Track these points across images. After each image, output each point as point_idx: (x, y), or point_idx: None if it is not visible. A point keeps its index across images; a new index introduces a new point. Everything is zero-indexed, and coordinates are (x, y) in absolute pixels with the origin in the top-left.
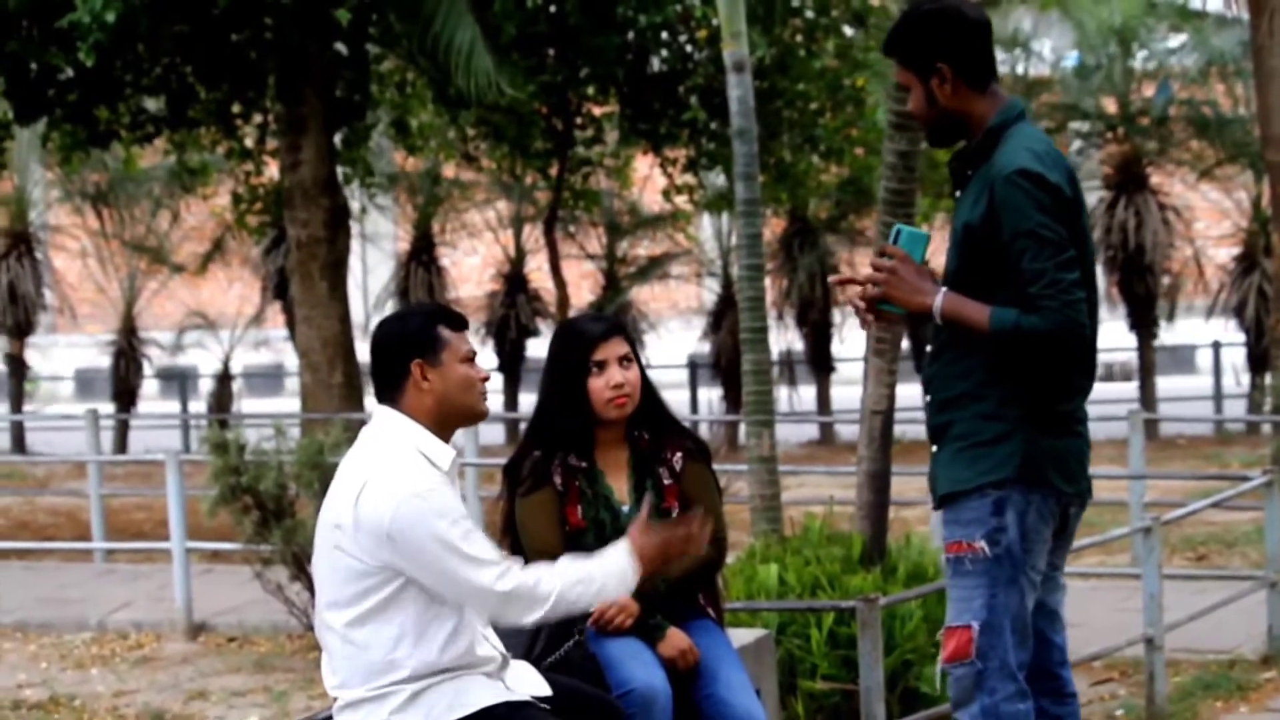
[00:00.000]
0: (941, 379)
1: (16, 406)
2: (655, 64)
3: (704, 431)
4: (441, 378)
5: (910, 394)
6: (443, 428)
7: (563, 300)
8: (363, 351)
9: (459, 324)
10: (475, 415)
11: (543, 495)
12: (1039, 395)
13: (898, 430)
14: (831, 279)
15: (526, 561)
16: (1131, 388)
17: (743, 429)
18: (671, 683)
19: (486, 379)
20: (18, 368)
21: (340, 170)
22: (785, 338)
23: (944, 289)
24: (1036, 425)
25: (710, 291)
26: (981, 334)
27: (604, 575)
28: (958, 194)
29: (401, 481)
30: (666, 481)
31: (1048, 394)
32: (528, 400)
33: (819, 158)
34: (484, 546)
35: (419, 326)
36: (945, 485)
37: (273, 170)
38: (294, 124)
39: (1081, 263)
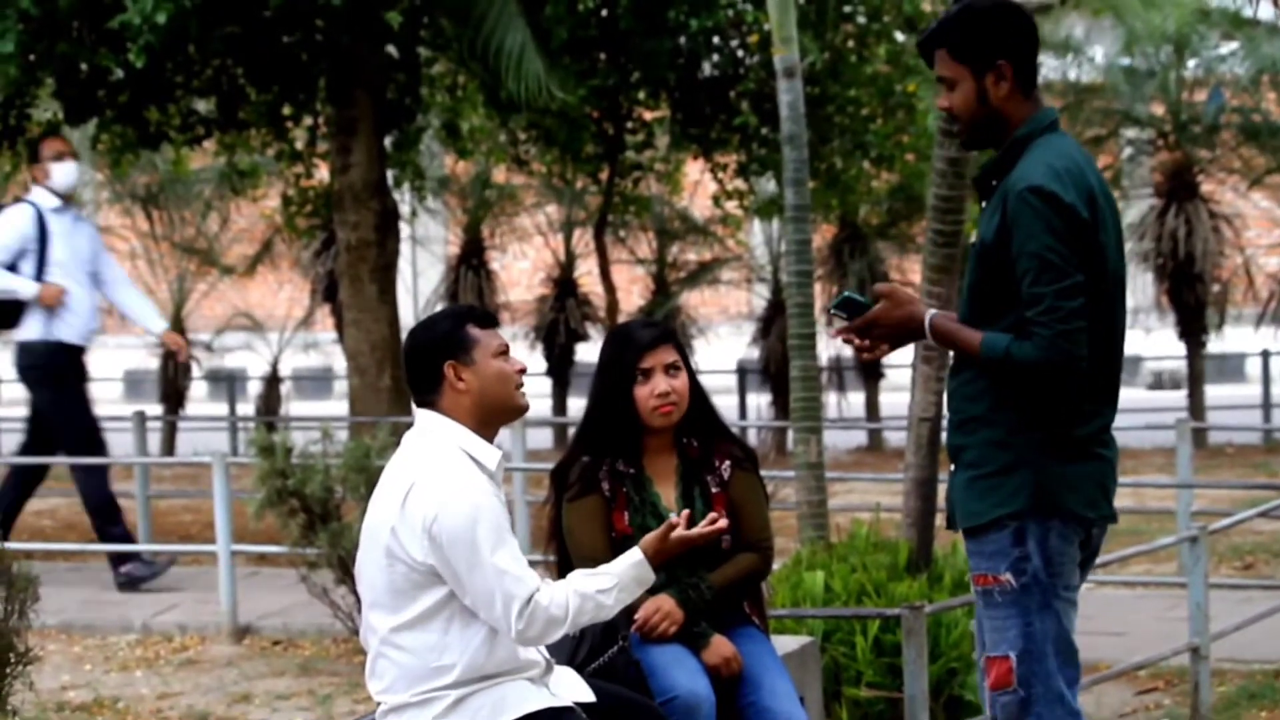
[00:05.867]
0: (958, 397)
1: None
2: (706, 69)
3: (752, 437)
4: (476, 376)
5: None
6: (485, 426)
7: (612, 305)
8: None
9: (488, 321)
10: (514, 409)
11: (590, 501)
12: (1051, 422)
13: (945, 438)
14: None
15: (572, 567)
16: (1180, 396)
17: (791, 435)
18: (715, 690)
19: (523, 371)
20: None
21: (390, 173)
22: (835, 344)
23: (931, 313)
24: (1048, 453)
25: (760, 297)
26: (974, 358)
27: (619, 583)
28: (984, 205)
29: (448, 482)
30: (714, 489)
31: (1061, 420)
32: (576, 405)
33: (870, 164)
34: (517, 561)
35: (448, 329)
36: (963, 518)
37: (323, 173)
38: (344, 126)
39: (1098, 285)
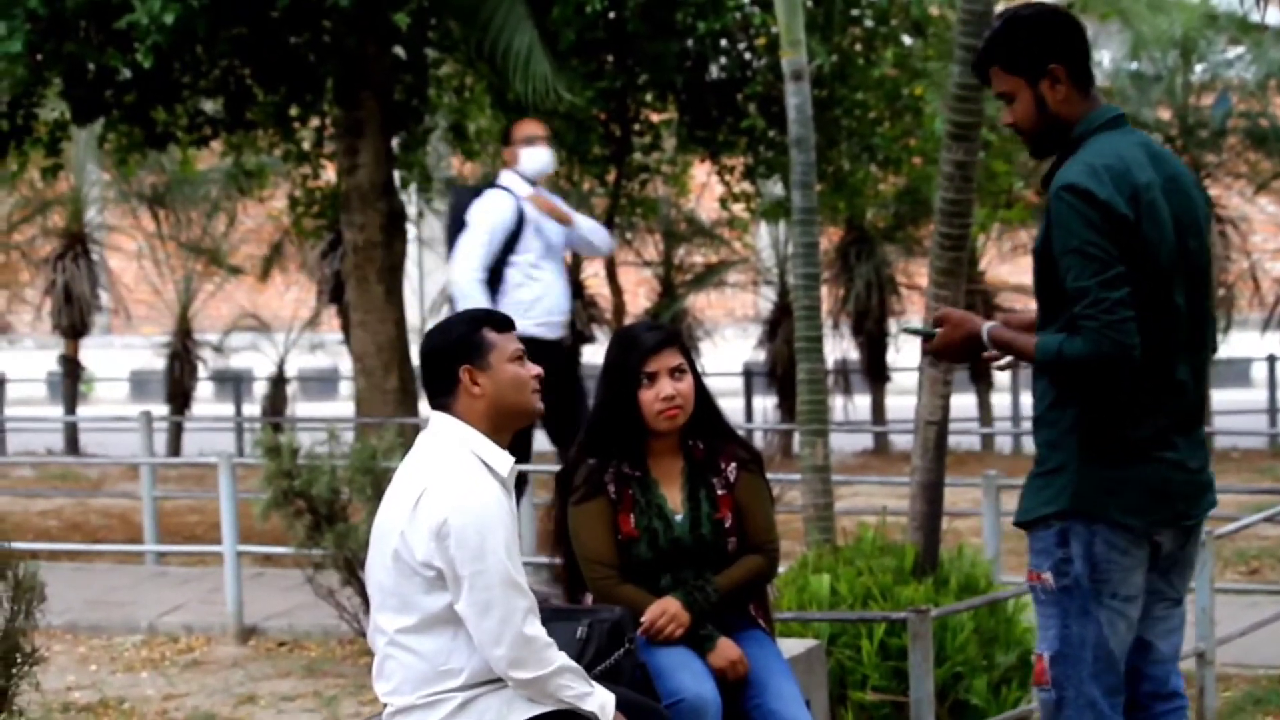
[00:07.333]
0: (1037, 397)
1: (71, 408)
2: (714, 71)
3: (758, 440)
4: (491, 380)
5: (964, 404)
6: (498, 430)
7: (619, 307)
8: (416, 357)
9: (504, 325)
10: (529, 414)
11: (596, 503)
12: (1101, 423)
13: (952, 441)
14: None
15: (579, 570)
16: None
17: (797, 438)
18: (721, 693)
19: (538, 376)
20: (72, 369)
21: (397, 174)
22: (841, 347)
23: (988, 325)
24: (1095, 456)
25: (766, 300)
26: (1033, 361)
27: (594, 692)
28: None
29: (460, 487)
30: (720, 491)
31: (1113, 422)
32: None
33: (877, 167)
34: (521, 574)
35: (464, 333)
36: (1018, 512)
37: (330, 174)
38: (351, 127)
39: (1148, 282)
